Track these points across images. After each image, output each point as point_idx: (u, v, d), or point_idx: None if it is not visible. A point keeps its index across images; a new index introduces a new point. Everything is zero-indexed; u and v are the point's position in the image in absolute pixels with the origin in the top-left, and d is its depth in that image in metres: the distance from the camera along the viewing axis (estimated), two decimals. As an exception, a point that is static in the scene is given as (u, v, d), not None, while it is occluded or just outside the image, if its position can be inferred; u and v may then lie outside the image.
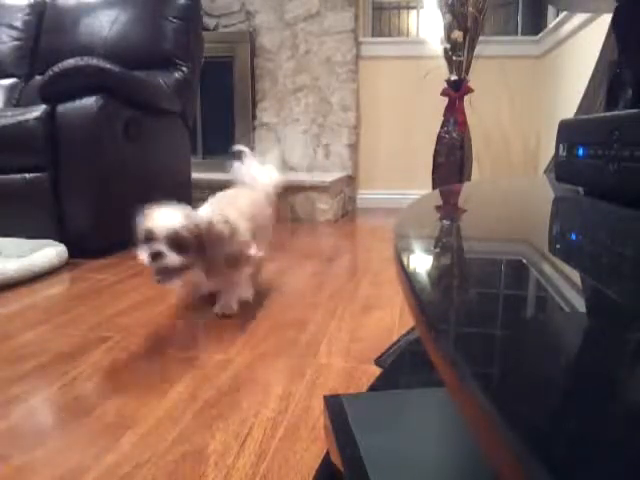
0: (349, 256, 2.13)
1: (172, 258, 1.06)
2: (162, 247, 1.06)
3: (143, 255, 1.06)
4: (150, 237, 1.06)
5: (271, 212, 1.46)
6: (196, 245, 1.10)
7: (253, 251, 1.25)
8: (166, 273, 1.08)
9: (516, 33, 3.34)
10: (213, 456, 0.71)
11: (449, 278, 0.35)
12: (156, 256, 1.05)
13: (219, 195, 1.34)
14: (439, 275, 0.36)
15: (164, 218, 1.08)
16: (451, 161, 2.75)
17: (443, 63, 2.76)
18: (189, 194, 2.54)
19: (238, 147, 1.43)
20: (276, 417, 0.81)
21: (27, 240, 1.79)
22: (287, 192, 2.83)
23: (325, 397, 0.66)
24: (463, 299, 0.31)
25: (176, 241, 1.06)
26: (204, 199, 1.31)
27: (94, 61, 1.87)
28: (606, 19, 1.68)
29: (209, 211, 1.20)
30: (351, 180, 3.28)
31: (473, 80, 2.75)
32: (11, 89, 2.50)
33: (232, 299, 1.27)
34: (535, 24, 3.25)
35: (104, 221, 1.90)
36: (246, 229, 1.24)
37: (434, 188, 2.77)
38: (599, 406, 0.17)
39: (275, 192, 1.48)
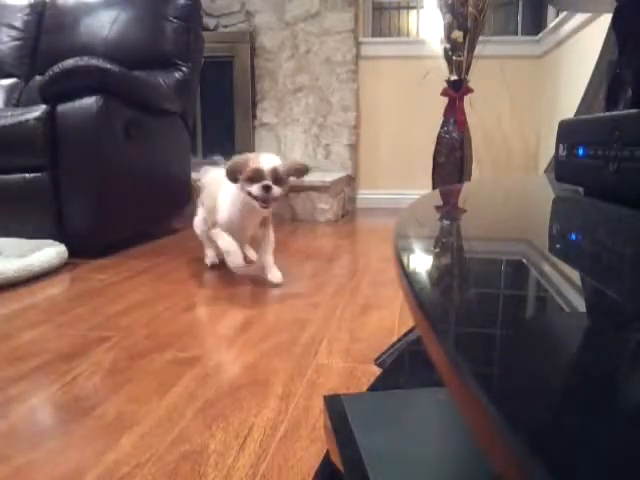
0: (349, 256, 2.13)
1: (276, 190, 1.42)
2: (269, 182, 1.41)
3: (254, 189, 1.41)
4: (259, 175, 1.41)
5: None
6: (286, 180, 1.47)
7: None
8: (269, 201, 1.44)
9: (516, 33, 3.34)
10: (213, 456, 0.71)
11: (449, 278, 0.35)
12: (266, 188, 1.41)
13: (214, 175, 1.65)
14: (439, 275, 0.36)
15: (268, 161, 1.43)
16: (451, 161, 2.75)
17: (443, 63, 2.76)
18: (189, 194, 2.54)
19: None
20: (276, 417, 0.81)
21: (27, 240, 1.79)
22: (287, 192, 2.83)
23: (325, 397, 0.66)
24: (463, 299, 0.31)
25: (277, 177, 1.42)
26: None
27: (94, 61, 1.87)
28: (606, 19, 1.68)
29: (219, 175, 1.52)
30: (351, 180, 3.28)
31: (473, 80, 2.75)
32: (11, 89, 2.50)
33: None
34: (535, 24, 3.25)
35: (104, 221, 1.90)
36: None
37: (434, 188, 2.77)
38: (599, 406, 0.17)
39: None
